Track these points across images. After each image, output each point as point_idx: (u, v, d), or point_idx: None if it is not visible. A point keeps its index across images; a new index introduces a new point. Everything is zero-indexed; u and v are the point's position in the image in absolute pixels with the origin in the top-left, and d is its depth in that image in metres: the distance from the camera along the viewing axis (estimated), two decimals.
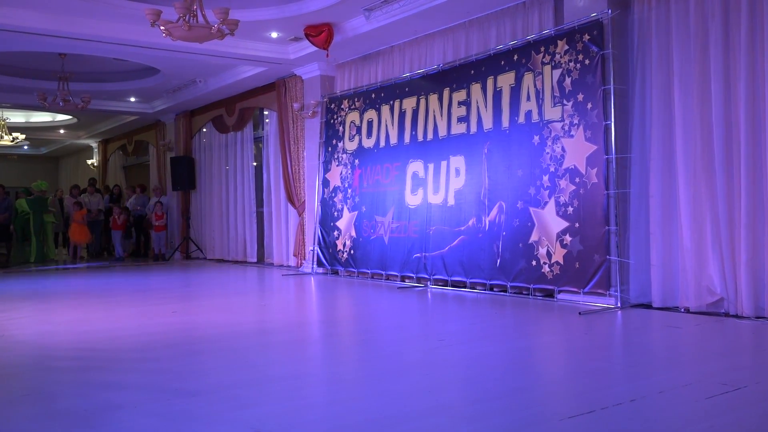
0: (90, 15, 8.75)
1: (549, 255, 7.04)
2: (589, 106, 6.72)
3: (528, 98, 7.41)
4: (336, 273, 10.37)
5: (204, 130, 14.83)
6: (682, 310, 6.23)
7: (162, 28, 6.59)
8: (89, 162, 21.20)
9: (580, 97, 6.81)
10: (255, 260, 13.21)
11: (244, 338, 5.55)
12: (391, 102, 9.42)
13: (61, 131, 19.42)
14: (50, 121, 18.06)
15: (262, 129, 13.16)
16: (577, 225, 6.79)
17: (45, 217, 14.52)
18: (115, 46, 9.66)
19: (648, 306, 6.51)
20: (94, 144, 20.85)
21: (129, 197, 16.25)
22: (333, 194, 10.43)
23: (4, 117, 16.31)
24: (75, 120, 17.51)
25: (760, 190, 5.75)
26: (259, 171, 13.24)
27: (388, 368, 4.36)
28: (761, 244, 5.73)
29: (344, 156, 10.26)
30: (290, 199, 11.52)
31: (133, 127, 17.51)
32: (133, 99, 14.70)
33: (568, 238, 6.86)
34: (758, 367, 4.33)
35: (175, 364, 4.59)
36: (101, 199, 16.28)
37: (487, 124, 7.90)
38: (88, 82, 13.04)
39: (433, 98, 8.71)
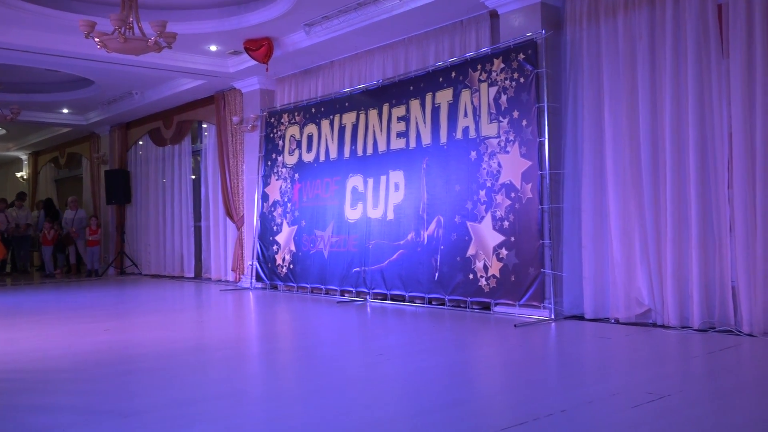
0: (20, 24, 8.50)
1: (486, 268, 7.16)
2: (524, 123, 6.90)
3: (465, 115, 7.55)
4: (275, 288, 10.29)
5: (140, 142, 14.55)
6: (613, 321, 6.43)
7: (96, 40, 6.46)
8: (18, 175, 20.48)
9: (516, 114, 6.99)
10: (192, 275, 12.99)
11: (180, 356, 5.46)
12: (331, 117, 9.46)
13: None
14: None
15: (201, 142, 12.99)
16: (512, 239, 6.94)
17: None
18: (47, 57, 9.41)
19: (581, 317, 6.69)
20: (24, 156, 20.16)
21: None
22: (272, 208, 10.37)
23: None
24: (3, 131, 16.90)
25: (684, 205, 6.01)
26: (197, 185, 13.06)
27: (327, 384, 4.36)
28: (686, 257, 5.98)
29: (284, 170, 10.23)
30: (229, 213, 11.40)
31: (65, 139, 17.01)
32: (65, 110, 14.31)
33: (504, 252, 7.00)
34: (682, 375, 4.51)
35: (107, 385, 4.48)
36: (29, 214, 15.75)
37: (426, 139, 8.01)
38: (17, 92, 12.63)
39: (373, 113, 8.79)
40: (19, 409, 3.85)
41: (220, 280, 11.95)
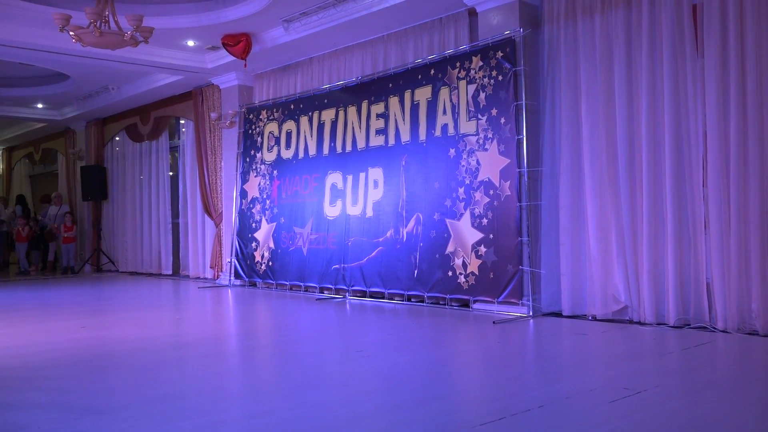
0: None
1: (464, 266, 7.19)
2: (503, 120, 6.93)
3: (444, 112, 7.57)
4: (254, 285, 10.25)
5: (117, 138, 14.40)
6: (590, 318, 6.49)
7: (72, 33, 6.38)
8: None
9: (494, 111, 7.02)
10: (170, 272, 12.90)
11: (157, 353, 5.42)
12: (310, 113, 9.43)
13: None
14: None
15: (179, 138, 12.89)
16: (491, 236, 6.97)
17: None
18: (21, 51, 9.27)
19: (558, 314, 6.74)
20: None
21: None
22: (251, 205, 10.32)
23: None
24: None
25: (660, 203, 6.08)
26: (174, 181, 12.95)
27: (305, 380, 4.35)
28: (661, 254, 6.06)
29: (263, 167, 10.18)
30: (207, 209, 11.33)
31: (40, 134, 16.78)
32: (40, 105, 14.11)
33: (482, 249, 7.03)
34: (658, 371, 4.56)
35: (83, 382, 4.44)
36: (2, 210, 15.53)
37: (405, 136, 8.02)
38: None
39: (352, 110, 8.78)
40: None
41: (198, 278, 11.88)
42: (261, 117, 10.30)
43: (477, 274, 7.07)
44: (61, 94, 12.88)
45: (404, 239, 7.89)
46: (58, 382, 4.43)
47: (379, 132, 8.40)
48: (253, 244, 10.16)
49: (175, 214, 12.88)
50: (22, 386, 4.35)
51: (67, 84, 12.20)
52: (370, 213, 8.38)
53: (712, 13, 5.72)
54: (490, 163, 7.02)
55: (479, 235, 7.07)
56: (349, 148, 8.81)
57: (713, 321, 5.73)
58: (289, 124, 9.79)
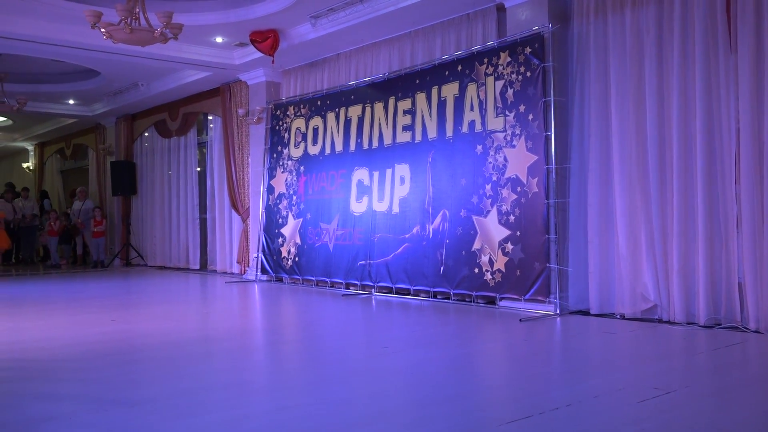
0: (27, 14, 8.51)
1: (491, 263, 7.15)
2: (531, 117, 6.87)
3: (471, 108, 7.53)
4: (280, 280, 10.30)
5: (146, 134, 14.56)
6: (618, 316, 6.41)
7: (103, 30, 6.46)
8: (25, 165, 20.53)
9: (522, 108, 6.96)
10: (198, 267, 13.02)
11: (185, 347, 5.47)
12: (337, 109, 9.44)
13: None
14: None
15: (206, 134, 13.00)
16: (518, 233, 6.92)
17: None
18: (54, 47, 9.41)
19: (586, 312, 6.67)
20: (30, 147, 20.20)
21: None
22: (278, 201, 10.37)
23: None
24: (10, 122, 16.93)
25: (691, 201, 5.98)
26: (202, 176, 13.07)
27: (331, 375, 4.36)
28: (692, 252, 5.96)
29: (289, 163, 10.22)
30: (234, 205, 11.41)
31: (71, 130, 17.03)
32: (71, 101, 14.32)
33: (509, 246, 6.99)
34: (688, 371, 4.50)
35: (112, 374, 4.50)
36: (35, 204, 15.81)
37: (432, 133, 7.99)
38: (24, 83, 12.64)
39: (379, 106, 8.77)
40: (25, 397, 3.87)
41: (225, 272, 11.97)
42: (288, 113, 10.34)
43: (504, 271, 7.03)
44: (91, 90, 13.06)
45: (430, 236, 7.87)
46: (87, 374, 4.49)
47: (405, 128, 8.38)
48: (280, 240, 10.21)
49: (203, 210, 13.00)
50: (53, 377, 4.43)
51: (97, 80, 12.37)
52: (396, 209, 8.38)
53: (746, 8, 5.61)
54: (518, 160, 6.96)
55: (506, 232, 7.03)
56: (375, 144, 8.81)
57: (745, 321, 5.62)
58: (316, 120, 9.81)
